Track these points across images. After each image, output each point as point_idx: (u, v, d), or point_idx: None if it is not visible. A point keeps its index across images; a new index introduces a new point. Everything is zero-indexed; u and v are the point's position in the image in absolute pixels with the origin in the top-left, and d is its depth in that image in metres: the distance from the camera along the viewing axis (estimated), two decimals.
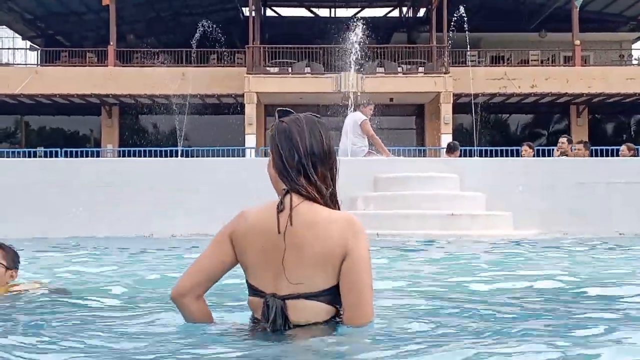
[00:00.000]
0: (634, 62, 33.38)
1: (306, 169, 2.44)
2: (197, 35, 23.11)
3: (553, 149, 20.82)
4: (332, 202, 2.47)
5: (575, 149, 13.10)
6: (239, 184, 9.70)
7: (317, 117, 2.55)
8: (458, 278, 4.82)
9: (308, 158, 2.44)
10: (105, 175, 10.43)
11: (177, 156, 19.28)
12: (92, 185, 10.19)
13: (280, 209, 2.39)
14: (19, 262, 3.85)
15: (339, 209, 2.48)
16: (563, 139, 13.58)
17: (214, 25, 23.38)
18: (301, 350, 2.28)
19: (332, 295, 2.39)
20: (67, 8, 29.27)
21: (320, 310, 2.39)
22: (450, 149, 13.60)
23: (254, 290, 2.45)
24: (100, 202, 10.06)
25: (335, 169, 2.51)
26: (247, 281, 2.48)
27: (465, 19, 22.04)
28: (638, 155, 13.42)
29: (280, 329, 2.36)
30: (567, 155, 12.97)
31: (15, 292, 3.69)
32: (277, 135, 2.50)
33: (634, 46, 34.32)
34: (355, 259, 2.37)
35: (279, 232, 2.38)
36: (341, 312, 2.41)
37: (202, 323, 2.53)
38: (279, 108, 2.60)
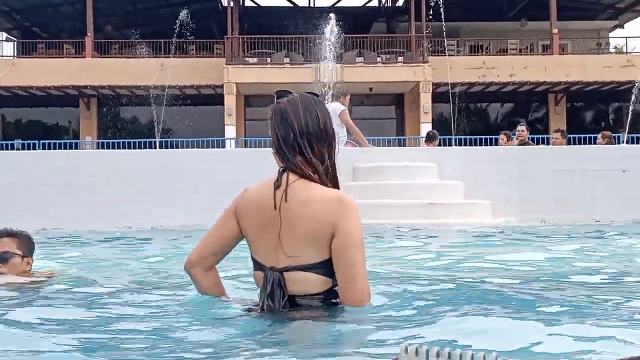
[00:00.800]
0: (612, 50, 33.61)
1: (302, 147, 2.51)
2: (175, 26, 22.94)
3: (533, 138, 20.98)
4: (329, 179, 2.55)
5: (552, 138, 13.14)
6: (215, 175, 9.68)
7: (314, 95, 2.62)
8: (436, 263, 4.85)
9: (304, 137, 2.52)
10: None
11: (156, 147, 19.15)
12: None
13: (276, 185, 2.50)
14: (34, 249, 3.83)
15: (337, 187, 2.57)
16: (522, 127, 13.38)
17: (193, 16, 23.21)
18: (298, 331, 2.33)
19: (326, 268, 2.47)
20: (44, 0, 28.96)
21: (316, 281, 2.48)
22: (430, 138, 13.61)
23: (256, 264, 2.57)
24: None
25: (333, 145, 2.58)
26: (251, 256, 2.60)
27: (444, 8, 22.06)
28: (614, 143, 13.50)
29: (278, 302, 2.46)
30: (526, 144, 12.79)
31: (34, 281, 3.67)
32: (273, 116, 2.58)
33: (611, 35, 34.50)
34: (343, 237, 2.45)
35: (275, 208, 2.48)
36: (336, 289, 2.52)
37: (212, 294, 2.70)
38: (277, 89, 2.66)
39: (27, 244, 3.77)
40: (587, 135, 19.76)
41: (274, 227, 2.48)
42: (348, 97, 11.35)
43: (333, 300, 2.52)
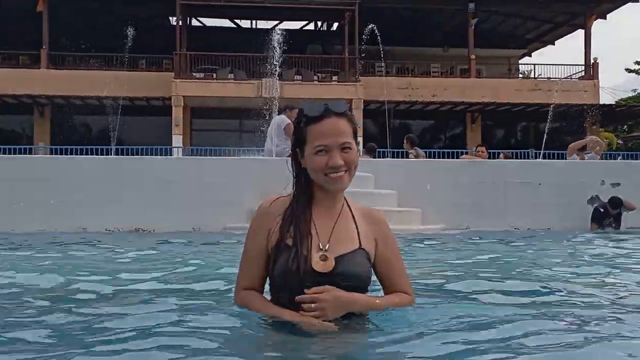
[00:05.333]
0: (520, 75, 34.50)
1: None
2: (127, 40, 22.47)
3: (451, 152, 21.29)
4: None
5: (477, 151, 13.31)
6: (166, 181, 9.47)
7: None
8: None
9: None
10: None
11: (109, 154, 18.66)
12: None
13: None
14: None
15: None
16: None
17: (144, 33, 22.80)
18: None
19: None
20: (3, 12, 27.95)
21: None
22: (369, 150, 13.63)
23: None
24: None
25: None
26: None
27: (374, 34, 22.27)
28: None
29: None
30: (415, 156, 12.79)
31: None
32: None
33: (520, 61, 35.47)
34: None
35: None
36: None
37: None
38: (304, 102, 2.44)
39: None
40: (498, 151, 20.09)
41: None
42: (295, 110, 11.22)
43: None
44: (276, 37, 19.86)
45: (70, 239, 7.33)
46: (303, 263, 2.24)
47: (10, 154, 19.35)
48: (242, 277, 2.42)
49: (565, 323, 2.37)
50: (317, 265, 2.26)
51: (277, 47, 19.97)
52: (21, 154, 20.34)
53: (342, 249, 2.32)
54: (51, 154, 22.99)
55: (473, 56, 27.87)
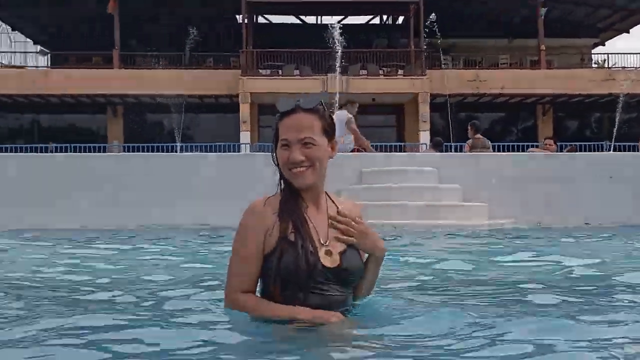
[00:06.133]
0: (593, 65, 33.31)
1: None
2: (196, 39, 22.78)
3: (522, 145, 20.71)
4: None
5: (545, 144, 12.86)
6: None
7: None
8: (429, 261, 4.62)
9: None
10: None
11: (176, 151, 18.92)
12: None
13: None
14: None
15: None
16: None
17: (211, 31, 23.05)
18: None
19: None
20: (75, 15, 28.85)
21: None
22: (436, 145, 13.35)
23: None
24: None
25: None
26: None
27: (441, 26, 21.90)
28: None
29: None
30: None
31: None
32: None
33: (593, 51, 34.27)
34: None
35: None
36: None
37: None
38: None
39: None
40: (571, 144, 19.43)
41: None
42: (356, 105, 11.07)
43: None
44: (341, 32, 19.77)
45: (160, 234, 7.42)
46: (312, 258, 2.22)
47: (87, 151, 19.86)
48: (237, 279, 2.30)
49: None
50: (325, 260, 2.24)
51: (342, 42, 19.88)
52: (96, 152, 20.89)
53: (340, 245, 2.31)
54: (123, 151, 23.53)
55: (543, 47, 27.07)
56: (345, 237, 2.31)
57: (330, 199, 2.43)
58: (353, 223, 2.29)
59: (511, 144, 22.99)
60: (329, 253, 2.25)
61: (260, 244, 2.27)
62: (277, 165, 2.36)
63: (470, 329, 2.15)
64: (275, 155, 2.36)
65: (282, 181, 2.37)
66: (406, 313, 2.43)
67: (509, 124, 29.61)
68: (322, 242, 2.27)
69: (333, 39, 19.48)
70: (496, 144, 21.81)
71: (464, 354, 1.89)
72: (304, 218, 2.28)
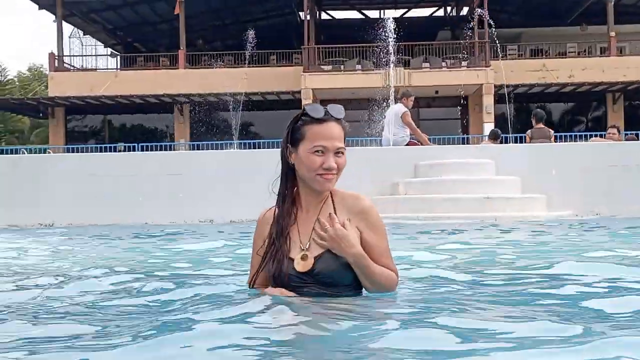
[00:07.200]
0: None
1: None
2: (257, 38, 23.00)
3: (591, 134, 20.07)
4: None
5: (608, 133, 12.41)
6: None
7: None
8: (484, 255, 4.52)
9: None
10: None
11: (238, 148, 19.20)
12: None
13: None
14: None
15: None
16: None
17: (274, 29, 23.22)
18: None
19: None
20: (143, 18, 29.60)
21: None
22: (494, 136, 13.10)
23: None
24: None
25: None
26: None
27: (506, 16, 21.43)
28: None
29: None
30: None
31: None
32: None
33: None
34: None
35: None
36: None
37: None
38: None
39: None
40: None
41: None
42: (411, 98, 10.90)
43: None
44: (404, 26, 19.59)
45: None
46: (284, 266, 2.36)
47: (153, 150, 20.35)
48: (251, 272, 2.56)
49: None
50: (298, 265, 2.36)
51: (404, 36, 19.70)
52: (165, 150, 21.39)
53: (318, 249, 2.38)
54: (191, 149, 24.01)
55: (613, 33, 26.14)
56: (321, 242, 2.38)
57: (332, 198, 2.48)
58: (327, 228, 2.35)
59: (579, 133, 22.35)
60: (305, 257, 2.37)
61: (260, 249, 2.49)
62: (284, 165, 2.47)
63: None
64: (290, 154, 2.44)
65: (286, 179, 2.47)
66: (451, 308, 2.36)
67: (578, 114, 28.74)
68: (302, 247, 2.40)
69: (395, 32, 19.33)
70: (564, 134, 21.26)
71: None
72: (286, 227, 2.41)
